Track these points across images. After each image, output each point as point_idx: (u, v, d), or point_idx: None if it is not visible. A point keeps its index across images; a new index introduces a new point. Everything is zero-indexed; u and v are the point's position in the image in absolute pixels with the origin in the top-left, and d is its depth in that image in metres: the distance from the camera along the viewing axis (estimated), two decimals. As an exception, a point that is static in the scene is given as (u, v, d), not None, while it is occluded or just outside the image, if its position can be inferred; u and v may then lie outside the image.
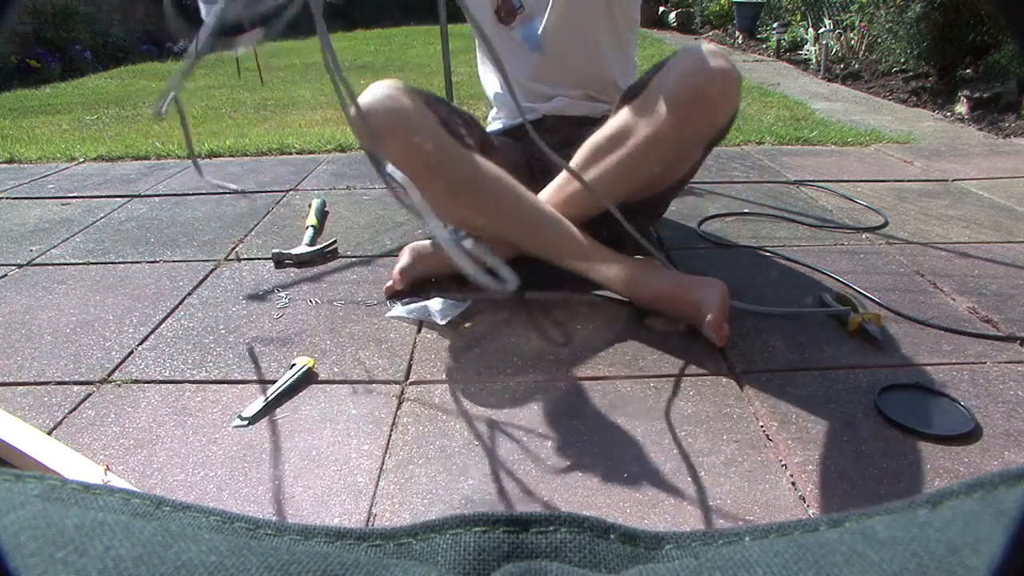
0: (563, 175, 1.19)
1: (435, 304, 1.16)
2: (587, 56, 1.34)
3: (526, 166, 1.34)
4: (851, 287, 1.22)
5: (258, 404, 0.91)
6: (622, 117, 1.13)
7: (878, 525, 0.17)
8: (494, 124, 1.47)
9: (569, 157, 1.20)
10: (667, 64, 1.10)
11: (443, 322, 1.12)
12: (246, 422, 0.88)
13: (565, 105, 1.35)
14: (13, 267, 1.42)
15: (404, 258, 1.24)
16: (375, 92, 1.09)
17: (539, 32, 1.31)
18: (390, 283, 1.23)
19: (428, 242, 1.25)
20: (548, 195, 1.21)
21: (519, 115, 1.38)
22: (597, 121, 1.35)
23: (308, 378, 0.98)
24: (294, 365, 0.98)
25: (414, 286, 1.25)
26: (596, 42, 1.34)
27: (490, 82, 1.46)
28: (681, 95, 1.04)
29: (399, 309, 1.17)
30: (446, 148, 1.11)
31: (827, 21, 4.43)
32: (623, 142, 1.11)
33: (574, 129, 1.32)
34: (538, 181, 1.29)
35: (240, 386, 0.97)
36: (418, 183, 1.16)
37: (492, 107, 1.48)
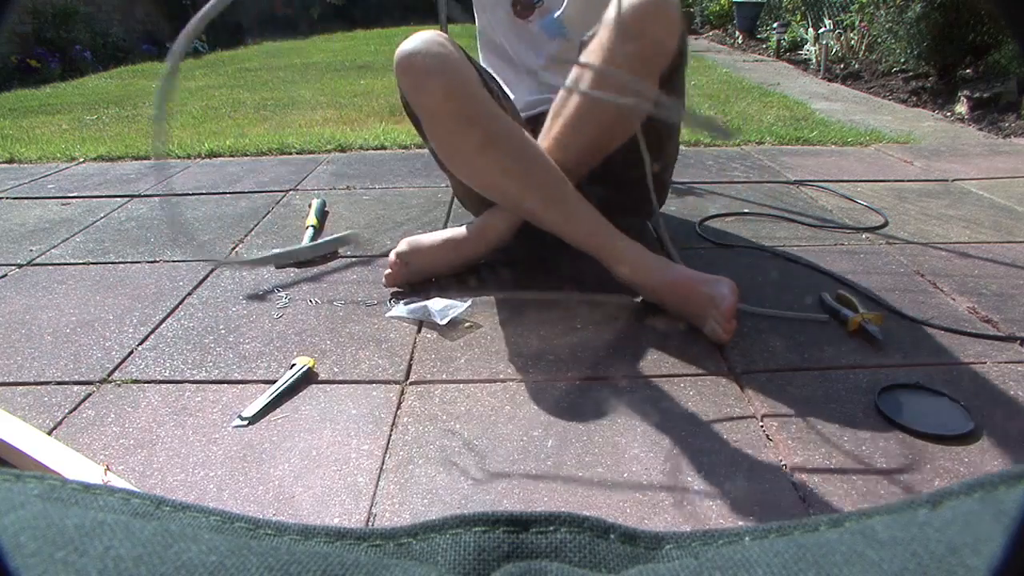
0: (545, 126, 1.22)
1: (435, 304, 1.16)
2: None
3: None
4: (851, 287, 1.21)
5: (258, 404, 0.91)
6: (586, 61, 1.17)
7: (878, 525, 0.17)
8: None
9: None
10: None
11: (443, 322, 1.12)
12: (246, 422, 0.88)
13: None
14: (13, 267, 1.42)
15: (401, 246, 1.24)
16: (421, 36, 1.11)
17: (558, 16, 1.31)
18: (388, 271, 1.24)
19: (426, 235, 1.25)
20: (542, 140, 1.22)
21: (532, 95, 1.40)
22: None
23: (308, 378, 0.98)
24: (294, 365, 0.98)
25: (414, 286, 1.25)
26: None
27: (502, 79, 1.45)
28: (619, 20, 1.09)
29: (399, 309, 1.17)
30: (484, 102, 1.13)
31: (827, 21, 4.43)
32: (592, 82, 1.16)
33: None
34: None
35: (240, 386, 0.97)
36: (453, 131, 1.17)
37: None
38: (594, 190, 1.20)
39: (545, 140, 1.20)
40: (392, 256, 1.23)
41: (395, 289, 1.25)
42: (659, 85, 1.14)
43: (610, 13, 1.12)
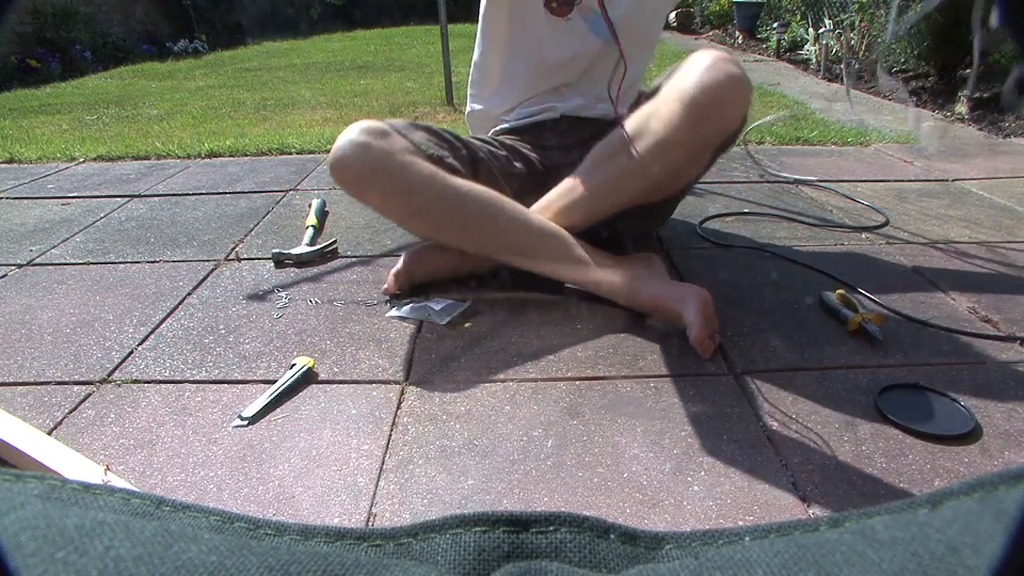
0: (568, 181, 1.19)
1: (435, 304, 1.17)
2: (644, 53, 1.32)
3: (533, 169, 1.33)
4: (851, 287, 1.21)
5: (258, 404, 0.91)
6: (634, 120, 1.13)
7: (878, 525, 0.17)
8: (500, 122, 1.43)
9: (583, 157, 1.20)
10: (679, 68, 1.10)
11: (443, 322, 1.12)
12: (246, 422, 0.88)
13: (582, 105, 1.34)
14: (13, 267, 1.42)
15: (401, 263, 1.23)
16: (343, 140, 1.08)
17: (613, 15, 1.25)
18: (387, 285, 1.24)
19: (427, 245, 1.25)
20: (553, 199, 1.21)
21: (536, 107, 1.36)
22: (611, 123, 1.34)
23: (308, 378, 0.98)
24: (294, 365, 0.98)
25: (414, 287, 1.25)
26: (651, 42, 1.33)
27: (510, 75, 1.38)
28: (694, 99, 1.04)
29: (399, 309, 1.17)
30: (426, 188, 1.10)
31: (827, 21, 4.43)
32: (632, 146, 1.11)
33: (589, 130, 1.31)
34: (548, 180, 1.29)
35: (240, 386, 0.97)
36: (402, 225, 1.18)
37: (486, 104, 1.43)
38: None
39: (569, 197, 1.18)
40: (391, 275, 1.23)
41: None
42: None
43: (682, 86, 1.06)
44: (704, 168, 1.23)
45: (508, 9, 1.30)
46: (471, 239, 1.16)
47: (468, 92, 1.47)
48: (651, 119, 1.10)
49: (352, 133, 1.09)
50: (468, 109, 1.48)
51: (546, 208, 1.20)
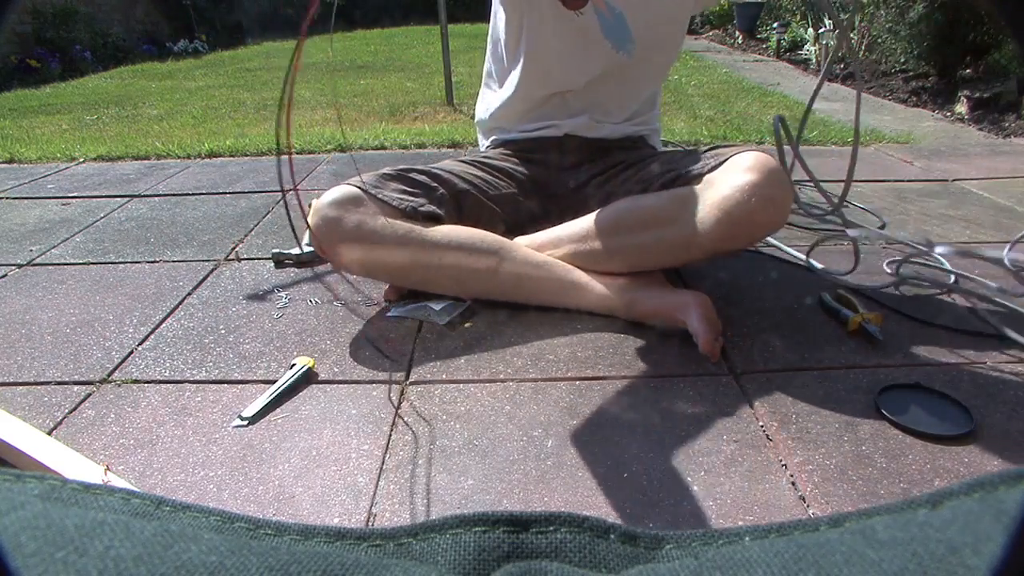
0: (584, 226, 1.15)
1: (435, 304, 1.17)
2: (660, 68, 1.28)
3: (523, 188, 1.29)
4: (851, 287, 1.21)
5: (258, 404, 0.91)
6: (666, 206, 1.09)
7: (878, 525, 0.17)
8: (499, 132, 1.39)
9: (583, 176, 1.18)
10: (723, 169, 1.05)
11: (443, 322, 1.12)
12: (246, 422, 0.88)
13: (586, 124, 1.29)
14: (13, 267, 1.42)
15: None
16: (314, 217, 1.08)
17: (624, 18, 1.20)
18: (385, 290, 1.23)
19: None
20: (563, 239, 1.17)
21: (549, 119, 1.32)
22: (613, 143, 1.31)
23: (308, 378, 0.98)
24: (294, 365, 0.98)
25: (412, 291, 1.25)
26: (668, 58, 1.29)
27: (517, 79, 1.30)
28: (733, 215, 1.00)
29: (399, 309, 1.17)
30: (402, 247, 1.09)
31: (827, 21, 4.43)
32: (657, 227, 1.08)
33: (589, 151, 1.30)
34: (540, 198, 1.27)
35: (240, 386, 0.97)
36: (384, 278, 1.18)
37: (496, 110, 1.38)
38: None
39: (582, 249, 1.15)
40: (388, 288, 1.22)
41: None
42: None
43: (724, 195, 1.01)
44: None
45: (520, 10, 1.25)
46: (460, 287, 1.16)
47: (478, 102, 1.45)
48: (682, 213, 1.06)
49: (323, 208, 1.08)
50: (476, 118, 1.46)
51: (555, 246, 1.18)
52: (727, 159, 1.07)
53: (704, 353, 1.00)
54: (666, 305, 1.07)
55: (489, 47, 1.38)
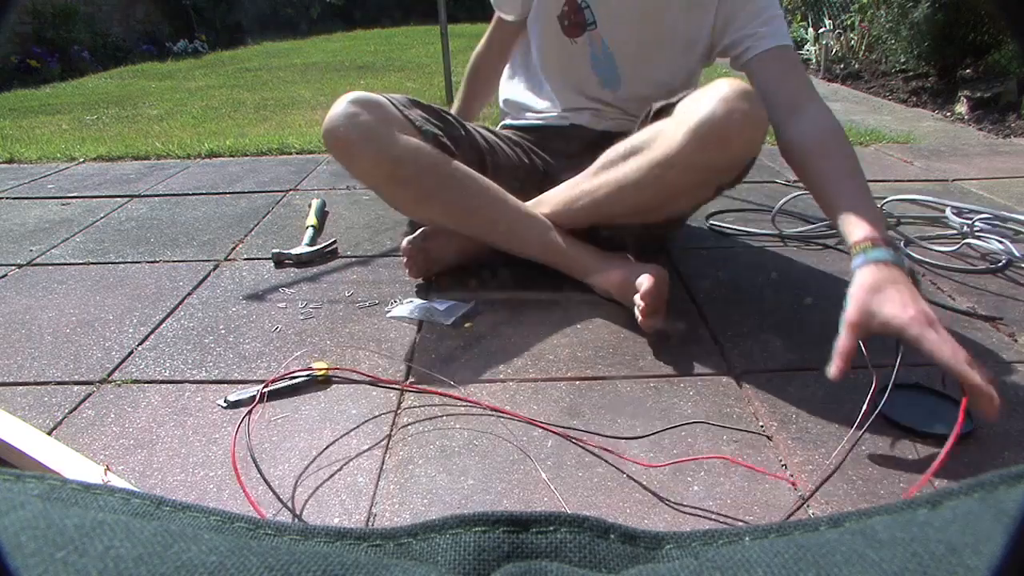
0: (571, 185, 1.20)
1: (439, 304, 1.17)
2: (658, 95, 1.32)
3: (535, 168, 1.34)
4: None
5: (246, 393, 0.92)
6: (642, 134, 1.12)
7: (878, 525, 0.17)
8: (507, 117, 1.46)
9: (584, 167, 1.19)
10: (697, 92, 1.07)
11: (448, 322, 1.12)
12: (226, 405, 0.91)
13: (594, 119, 1.34)
14: (13, 267, 1.42)
15: (410, 243, 1.23)
16: (335, 109, 1.11)
17: (616, 70, 1.28)
18: (406, 270, 1.24)
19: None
20: (550, 195, 1.22)
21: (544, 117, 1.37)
22: (617, 135, 1.32)
23: (311, 379, 0.98)
24: (310, 368, 0.98)
25: (417, 286, 1.25)
26: (671, 87, 1.30)
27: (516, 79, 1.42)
28: (699, 128, 1.01)
29: (399, 309, 1.17)
30: (414, 159, 1.12)
31: (827, 21, 4.43)
32: (635, 156, 1.10)
33: (595, 141, 1.30)
34: (546, 184, 1.28)
35: (240, 386, 0.97)
36: (388, 191, 1.20)
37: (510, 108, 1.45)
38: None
39: (577, 197, 1.18)
40: (405, 243, 1.23)
41: (402, 286, 1.25)
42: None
43: (692, 112, 1.02)
44: (704, 200, 1.22)
45: (527, 17, 1.33)
46: (449, 214, 1.18)
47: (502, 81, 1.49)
48: (656, 137, 1.08)
49: (343, 103, 1.11)
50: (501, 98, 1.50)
51: (539, 203, 1.22)
52: (697, 89, 1.10)
53: (638, 316, 1.03)
54: (625, 273, 1.10)
55: (509, 65, 1.45)
